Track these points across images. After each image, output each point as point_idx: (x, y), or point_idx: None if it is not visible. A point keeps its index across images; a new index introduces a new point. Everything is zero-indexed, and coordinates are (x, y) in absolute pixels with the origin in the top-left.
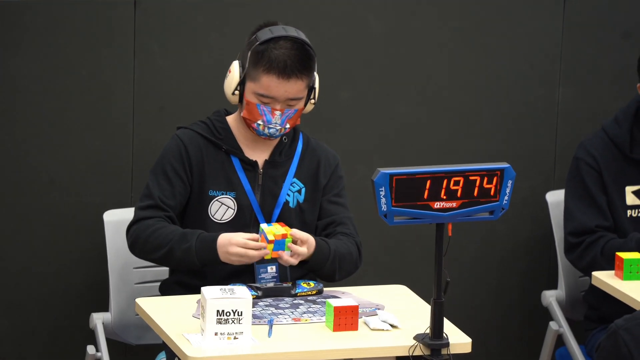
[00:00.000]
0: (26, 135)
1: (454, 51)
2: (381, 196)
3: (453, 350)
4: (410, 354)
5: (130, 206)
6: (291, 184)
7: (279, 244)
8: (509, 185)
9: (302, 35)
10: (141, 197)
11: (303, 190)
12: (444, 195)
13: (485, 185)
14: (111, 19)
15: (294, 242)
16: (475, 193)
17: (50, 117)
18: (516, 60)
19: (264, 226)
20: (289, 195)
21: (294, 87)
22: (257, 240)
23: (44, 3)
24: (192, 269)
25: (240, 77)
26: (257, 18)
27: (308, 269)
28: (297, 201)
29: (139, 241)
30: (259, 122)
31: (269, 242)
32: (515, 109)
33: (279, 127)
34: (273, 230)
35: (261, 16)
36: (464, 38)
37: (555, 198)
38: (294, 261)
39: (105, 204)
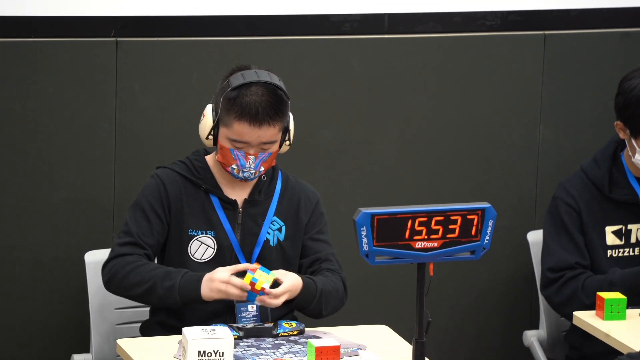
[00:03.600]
0: (7, 175)
1: (435, 91)
2: (362, 236)
3: None
4: None
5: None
6: (271, 222)
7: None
8: (490, 225)
9: (275, 80)
10: (119, 234)
11: (283, 228)
12: (425, 235)
13: (467, 225)
14: (93, 59)
15: (273, 285)
16: (457, 233)
17: (31, 157)
18: (497, 100)
19: (251, 275)
20: (269, 233)
21: (267, 133)
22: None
23: (25, 43)
24: (171, 307)
25: (213, 121)
26: (238, 59)
27: (294, 307)
28: (278, 239)
29: (117, 276)
30: (233, 166)
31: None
32: (496, 149)
33: (253, 171)
34: (263, 281)
35: (242, 57)
36: (445, 79)
37: (537, 238)
38: (277, 304)
39: (87, 244)
